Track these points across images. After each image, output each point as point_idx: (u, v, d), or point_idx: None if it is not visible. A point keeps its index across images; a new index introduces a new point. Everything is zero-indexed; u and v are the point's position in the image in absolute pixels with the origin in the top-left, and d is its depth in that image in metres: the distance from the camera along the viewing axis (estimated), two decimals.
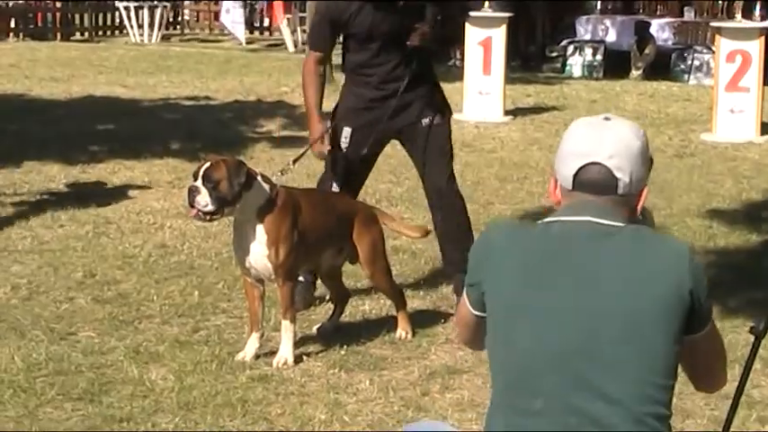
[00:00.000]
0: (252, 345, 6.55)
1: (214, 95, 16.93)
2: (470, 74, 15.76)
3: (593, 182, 3.30)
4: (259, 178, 6.59)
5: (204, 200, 6.36)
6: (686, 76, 18.98)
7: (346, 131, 7.71)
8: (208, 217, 6.54)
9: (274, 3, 24.40)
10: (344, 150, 7.68)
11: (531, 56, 21.13)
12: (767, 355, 6.39)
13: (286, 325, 6.60)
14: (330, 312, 7.22)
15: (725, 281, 8.07)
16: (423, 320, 7.11)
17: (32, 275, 8.04)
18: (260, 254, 6.55)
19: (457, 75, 16.65)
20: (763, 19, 14.85)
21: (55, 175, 10.91)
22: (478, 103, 15.44)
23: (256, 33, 26.35)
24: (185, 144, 12.85)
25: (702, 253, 9.00)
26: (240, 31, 24.27)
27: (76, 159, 11.56)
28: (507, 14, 16.09)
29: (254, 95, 16.98)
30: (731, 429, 5.17)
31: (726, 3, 15.43)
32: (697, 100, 16.07)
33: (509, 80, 16.03)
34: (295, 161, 7.36)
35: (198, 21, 27.77)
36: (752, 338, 5.14)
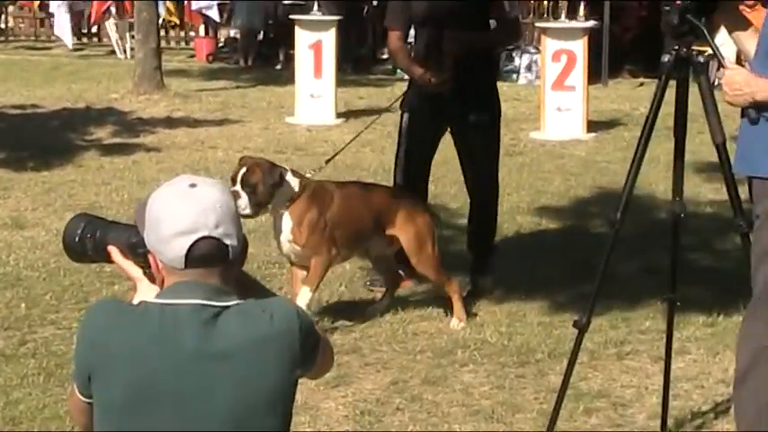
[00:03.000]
0: None
1: (41, 103, 16.62)
2: (302, 77, 15.59)
3: (205, 257, 3.22)
4: (288, 175, 7.22)
5: (243, 203, 6.89)
6: (515, 76, 19.20)
7: (405, 117, 8.16)
8: (248, 216, 6.94)
9: (94, 2, 24.05)
10: (403, 137, 8.16)
11: (362, 58, 21.10)
12: (594, 348, 6.53)
13: (305, 290, 7.12)
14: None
15: (554, 276, 8.23)
16: None
17: None
18: (287, 239, 7.19)
19: (288, 78, 16.62)
20: (586, 19, 15.09)
21: None
22: (310, 106, 15.30)
23: (85, 39, 25.99)
24: (12, 153, 12.58)
25: (532, 249, 9.15)
26: (67, 36, 23.93)
27: None
28: (337, 17, 16.02)
29: (84, 102, 16.70)
30: (558, 421, 5.29)
31: (551, 3, 15.58)
32: (526, 99, 16.29)
33: (341, 83, 15.95)
34: (328, 161, 8.08)
35: (22, 28, 27.28)
36: (573, 332, 5.27)
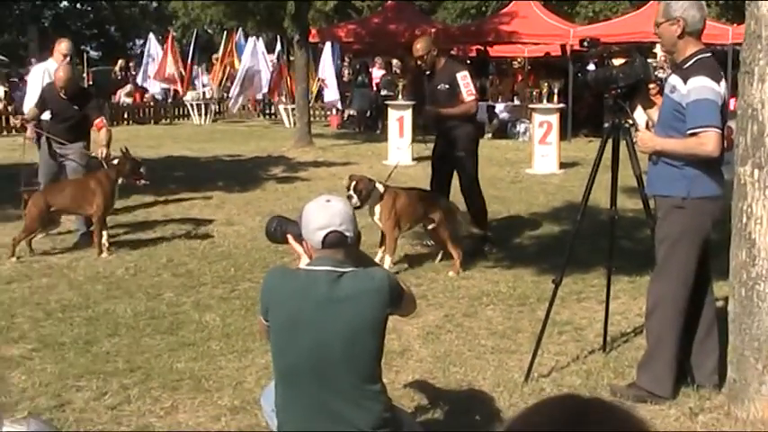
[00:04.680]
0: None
1: (241, 153, 16.67)
2: (391, 137, 15.49)
3: (333, 242, 3.25)
4: (377, 184, 7.51)
5: (354, 200, 7.19)
6: (517, 136, 19.06)
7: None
8: (357, 207, 7.04)
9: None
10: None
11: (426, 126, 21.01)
12: (563, 296, 6.45)
13: (387, 258, 7.49)
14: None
15: (540, 253, 8.15)
16: None
17: (137, 261, 7.98)
18: (377, 219, 7.56)
19: (384, 138, 16.58)
20: (558, 102, 14.93)
21: (152, 202, 10.79)
22: (396, 154, 15.07)
23: (267, 117, 26.11)
24: (225, 182, 12.66)
25: (527, 237, 9.08)
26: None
27: (162, 193, 11.42)
28: (412, 102, 15.89)
29: (266, 153, 16.76)
30: (543, 339, 5.23)
31: (538, 92, 15.43)
32: (523, 150, 16.13)
33: (414, 140, 15.90)
34: (388, 176, 8.15)
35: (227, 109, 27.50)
36: (552, 286, 5.20)
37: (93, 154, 8.70)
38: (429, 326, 6.07)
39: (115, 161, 8.38)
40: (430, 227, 7.84)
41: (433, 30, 20.99)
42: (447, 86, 8.15)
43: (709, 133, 4.37)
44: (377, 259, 7.25)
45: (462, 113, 8.21)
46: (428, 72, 8.33)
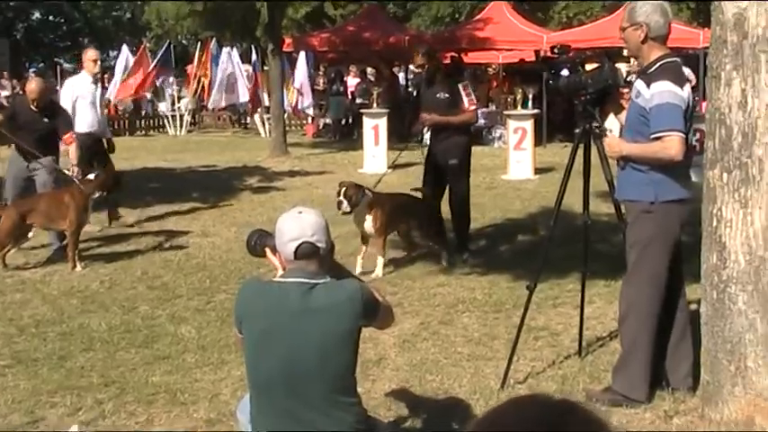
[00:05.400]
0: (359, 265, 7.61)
1: (217, 164, 16.61)
2: (367, 145, 15.53)
3: (305, 253, 3.24)
4: (366, 191, 7.71)
5: (344, 206, 7.52)
6: (492, 142, 19.10)
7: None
8: (346, 213, 7.60)
9: (249, 105, 24.17)
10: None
11: (402, 133, 21.04)
12: (539, 301, 6.48)
13: (380, 259, 7.69)
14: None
15: (515, 259, 8.17)
16: None
17: (112, 274, 7.93)
18: (368, 225, 7.69)
19: (360, 146, 16.58)
20: (533, 108, 15.00)
21: (126, 214, 10.71)
22: (372, 162, 15.17)
23: (241, 128, 26.03)
24: (200, 193, 12.62)
25: (503, 243, 9.10)
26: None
27: (137, 205, 11.34)
28: (387, 110, 15.95)
29: (242, 163, 16.72)
30: (518, 345, 5.24)
31: (513, 98, 15.51)
32: (499, 156, 16.16)
33: (390, 148, 15.90)
34: (376, 183, 8.38)
35: (206, 120, 27.38)
36: (527, 292, 5.21)
37: (65, 170, 8.63)
38: (405, 334, 6.07)
39: (91, 176, 8.35)
40: (414, 231, 8.21)
41: (409, 37, 21.02)
42: (446, 95, 8.27)
43: (672, 137, 4.40)
44: (357, 267, 7.44)
45: (463, 123, 8.38)
46: (426, 81, 8.51)
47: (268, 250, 3.47)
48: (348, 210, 7.52)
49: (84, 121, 9.76)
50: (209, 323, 6.34)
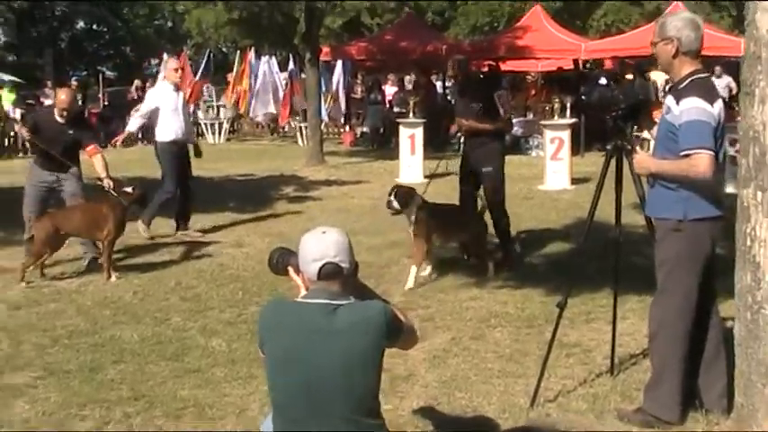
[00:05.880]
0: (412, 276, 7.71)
1: (254, 172, 16.69)
2: (403, 155, 15.48)
3: (329, 273, 3.20)
4: (416, 196, 7.91)
5: (394, 205, 7.83)
6: (530, 152, 18.98)
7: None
8: (396, 211, 7.89)
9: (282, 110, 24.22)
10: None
11: (438, 142, 20.97)
12: (572, 316, 6.41)
13: (413, 268, 7.70)
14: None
15: (551, 272, 8.09)
16: None
17: (145, 284, 7.97)
18: (411, 230, 7.87)
19: (396, 155, 16.53)
20: (571, 117, 14.88)
21: (162, 225, 10.74)
22: (408, 171, 15.13)
23: (279, 136, 26.10)
24: (237, 202, 12.69)
25: (538, 255, 9.02)
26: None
27: (173, 215, 11.34)
28: (423, 120, 15.92)
29: (279, 172, 16.75)
30: (549, 361, 5.16)
31: (550, 108, 15.39)
32: (536, 165, 16.03)
33: (426, 157, 15.85)
34: (423, 192, 8.27)
35: (246, 128, 27.52)
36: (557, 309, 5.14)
37: (101, 183, 8.60)
38: (436, 349, 6.02)
39: (129, 189, 8.41)
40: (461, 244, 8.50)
41: (446, 46, 20.98)
42: (480, 105, 8.43)
43: (701, 155, 4.31)
44: (411, 277, 7.65)
45: (498, 130, 8.51)
46: (459, 91, 8.72)
47: (291, 269, 3.44)
48: (398, 208, 7.83)
49: (168, 129, 10.12)
50: (239, 336, 6.33)
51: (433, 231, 7.88)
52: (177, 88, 10.41)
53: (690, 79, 4.47)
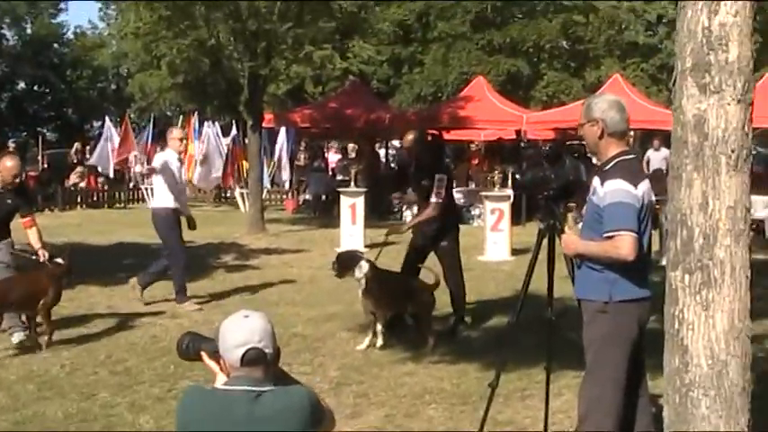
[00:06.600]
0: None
1: (194, 239, 16.43)
2: (344, 224, 15.46)
3: (252, 359, 3.13)
4: (363, 261, 7.98)
5: (336, 270, 8.03)
6: (471, 221, 19.04)
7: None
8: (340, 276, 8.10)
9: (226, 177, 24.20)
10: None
11: (380, 212, 21.00)
12: (507, 393, 6.37)
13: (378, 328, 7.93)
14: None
15: (488, 346, 8.06)
16: None
17: (74, 357, 7.79)
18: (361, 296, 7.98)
19: (338, 224, 16.53)
20: (511, 189, 15.01)
21: (95, 294, 10.54)
22: (349, 240, 15.03)
23: (224, 201, 26.00)
24: None
25: (475, 330, 8.99)
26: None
27: (108, 283, 11.17)
28: (365, 189, 15.98)
29: (219, 239, 16.60)
30: None
31: (491, 178, 15.55)
32: (476, 236, 16.03)
33: (368, 226, 15.81)
34: (375, 258, 8.33)
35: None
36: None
37: (33, 254, 8.39)
38: (369, 427, 5.94)
39: (59, 260, 8.25)
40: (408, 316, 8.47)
41: (390, 115, 21.18)
42: (428, 183, 8.55)
43: (623, 237, 4.37)
44: (366, 341, 7.83)
45: (427, 219, 8.58)
46: (415, 165, 8.86)
47: (204, 355, 3.36)
48: (337, 272, 8.00)
49: (170, 197, 10.08)
50: (168, 413, 6.16)
51: (383, 300, 7.90)
52: (180, 158, 10.35)
53: (615, 161, 4.54)
